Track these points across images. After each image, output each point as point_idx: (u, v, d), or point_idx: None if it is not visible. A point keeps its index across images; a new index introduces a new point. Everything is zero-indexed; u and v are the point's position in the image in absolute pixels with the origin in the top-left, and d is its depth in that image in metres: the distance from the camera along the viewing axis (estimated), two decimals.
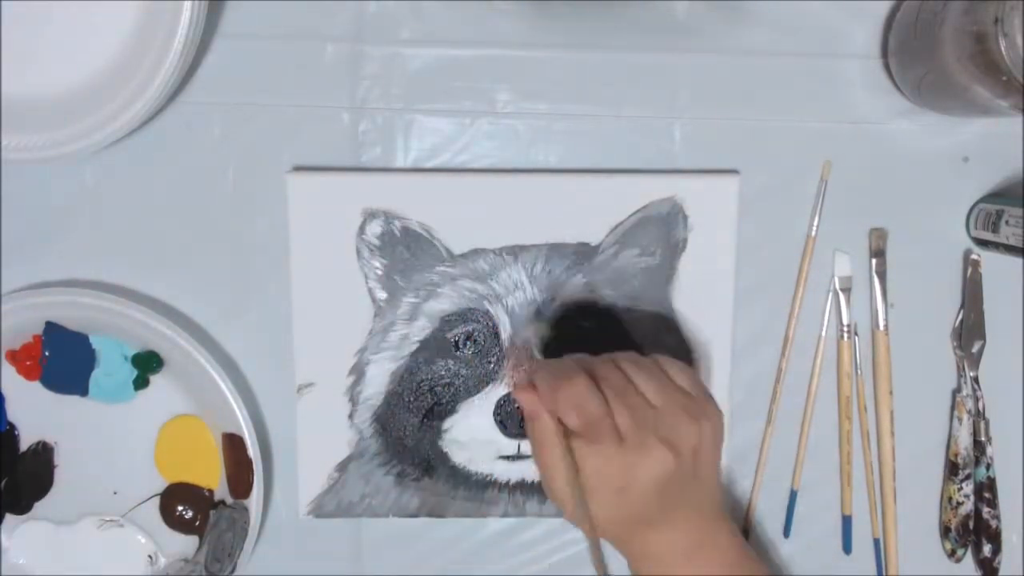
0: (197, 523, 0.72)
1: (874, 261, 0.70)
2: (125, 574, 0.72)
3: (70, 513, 0.72)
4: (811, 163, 0.70)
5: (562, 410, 0.55)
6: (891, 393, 0.71)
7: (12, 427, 0.71)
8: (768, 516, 0.73)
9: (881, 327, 0.70)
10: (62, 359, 0.69)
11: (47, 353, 0.69)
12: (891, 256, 0.70)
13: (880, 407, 0.71)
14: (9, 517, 0.72)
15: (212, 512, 0.71)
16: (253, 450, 0.68)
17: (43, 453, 0.72)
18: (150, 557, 0.72)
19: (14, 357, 0.70)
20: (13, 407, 0.71)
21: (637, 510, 0.56)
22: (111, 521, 0.72)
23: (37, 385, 0.70)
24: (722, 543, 0.59)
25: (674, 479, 0.55)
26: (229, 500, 0.70)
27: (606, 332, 0.69)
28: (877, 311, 0.71)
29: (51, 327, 0.68)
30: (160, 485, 0.72)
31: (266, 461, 0.70)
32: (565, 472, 0.56)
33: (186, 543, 0.72)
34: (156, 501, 0.72)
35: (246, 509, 0.69)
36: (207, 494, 0.72)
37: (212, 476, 0.71)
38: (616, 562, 0.58)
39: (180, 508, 0.72)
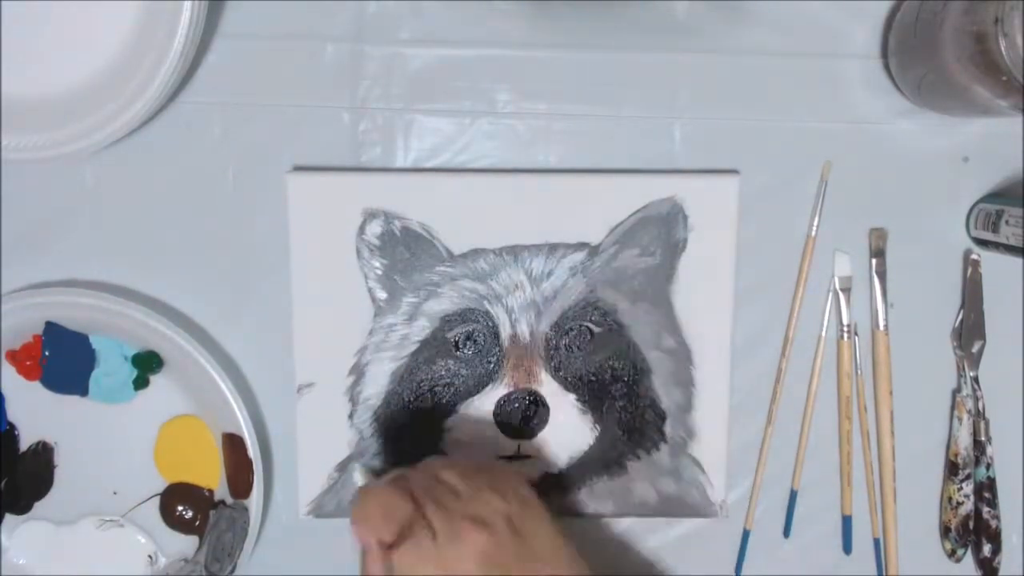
0: (197, 523, 0.72)
1: (874, 261, 0.70)
2: (125, 574, 0.72)
3: (70, 513, 0.72)
4: (811, 163, 0.70)
5: (377, 526, 0.56)
6: (891, 393, 0.71)
7: (12, 427, 0.71)
8: (768, 516, 0.73)
9: (881, 327, 0.70)
10: (62, 359, 0.69)
11: (47, 353, 0.69)
12: (891, 256, 0.70)
13: (880, 407, 0.71)
14: (9, 517, 0.72)
15: (212, 512, 0.71)
16: (253, 450, 0.68)
17: (43, 453, 0.71)
18: (150, 557, 0.72)
19: (14, 357, 0.70)
20: (13, 407, 0.71)
21: None
22: (111, 521, 0.72)
23: (37, 385, 0.70)
24: None
25: (495, 553, 0.55)
26: (229, 500, 0.70)
27: (606, 332, 0.69)
28: (877, 311, 0.71)
29: (51, 327, 0.68)
30: (160, 485, 0.72)
31: (266, 461, 0.70)
32: None
33: (186, 543, 0.72)
34: (156, 501, 0.72)
35: (246, 509, 0.69)
36: (207, 494, 0.72)
37: (212, 476, 0.71)
38: None
39: (180, 508, 0.72)
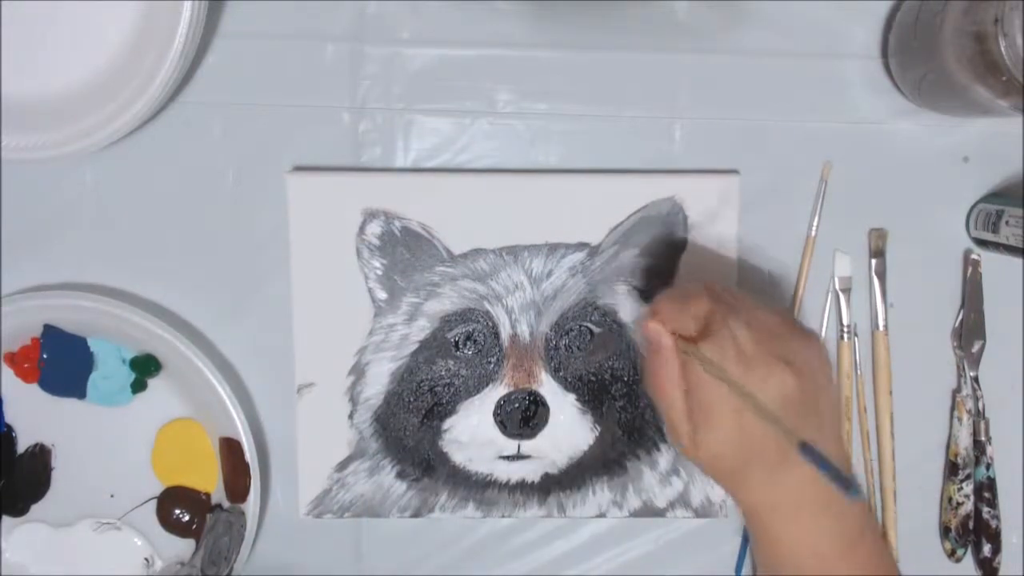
0: (194, 526, 0.72)
1: (874, 261, 0.70)
2: None
3: (67, 515, 0.72)
4: (811, 163, 0.70)
5: (686, 325, 0.54)
6: (891, 394, 0.71)
7: (10, 429, 0.71)
8: None
9: (881, 327, 0.70)
10: (60, 362, 0.69)
11: (45, 356, 0.69)
12: (891, 256, 0.70)
13: (880, 408, 0.71)
14: (6, 519, 0.72)
15: (209, 516, 0.71)
16: (250, 455, 0.68)
17: (40, 455, 0.71)
18: (146, 560, 0.72)
19: (12, 359, 0.70)
20: (11, 409, 0.71)
21: (750, 447, 0.53)
22: (108, 524, 0.72)
23: (35, 388, 0.70)
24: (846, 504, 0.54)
25: (795, 406, 0.52)
26: (226, 504, 0.70)
27: (606, 332, 0.69)
28: (877, 312, 0.71)
29: (49, 330, 0.68)
30: (157, 488, 0.72)
31: (263, 465, 0.70)
32: (685, 397, 0.54)
33: (182, 546, 0.72)
34: (153, 504, 0.72)
35: (243, 513, 0.69)
36: (204, 498, 0.72)
37: (209, 480, 0.71)
38: None
39: (177, 511, 0.72)
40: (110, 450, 0.71)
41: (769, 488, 0.54)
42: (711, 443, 0.53)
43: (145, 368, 0.70)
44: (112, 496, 0.72)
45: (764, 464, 0.54)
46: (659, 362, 0.55)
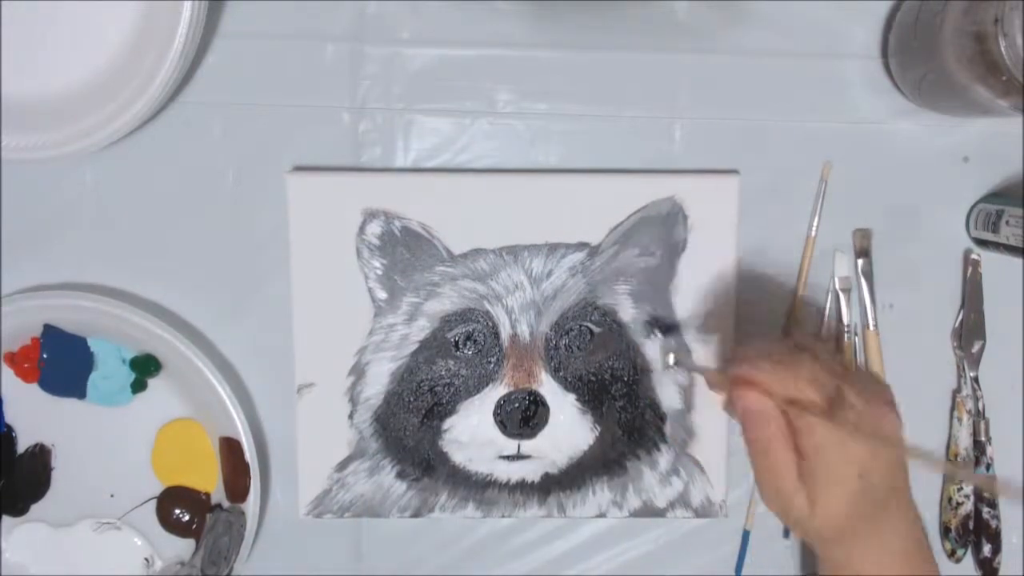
0: (194, 526, 0.72)
1: (860, 261, 0.70)
2: None
3: (67, 515, 0.72)
4: (811, 163, 0.70)
5: (800, 389, 0.52)
6: None
7: (10, 429, 0.71)
8: (768, 516, 0.72)
9: (871, 327, 0.70)
10: (60, 362, 0.69)
11: (45, 356, 0.69)
12: (891, 256, 0.70)
13: None
14: (6, 519, 0.72)
15: (209, 516, 0.71)
16: (250, 454, 0.68)
17: (40, 455, 0.71)
18: (146, 560, 0.72)
19: (12, 359, 0.70)
20: (11, 409, 0.71)
21: (872, 501, 0.53)
22: (108, 524, 0.72)
23: (35, 387, 0.70)
24: (925, 549, 0.56)
25: (900, 467, 0.53)
26: (226, 504, 0.70)
27: (606, 332, 0.69)
28: (867, 311, 0.71)
29: (49, 330, 0.68)
30: (157, 488, 0.72)
31: (263, 465, 0.70)
32: (795, 467, 0.53)
33: (182, 546, 0.72)
34: (153, 504, 0.72)
35: (243, 513, 0.69)
36: (204, 498, 0.72)
37: (209, 480, 0.71)
38: None
39: (177, 511, 0.72)
40: (110, 450, 0.71)
41: (873, 545, 0.55)
42: (831, 505, 0.53)
43: (145, 368, 0.70)
44: (112, 496, 0.72)
45: (872, 524, 0.54)
46: (767, 433, 0.54)
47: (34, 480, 0.71)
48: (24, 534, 0.72)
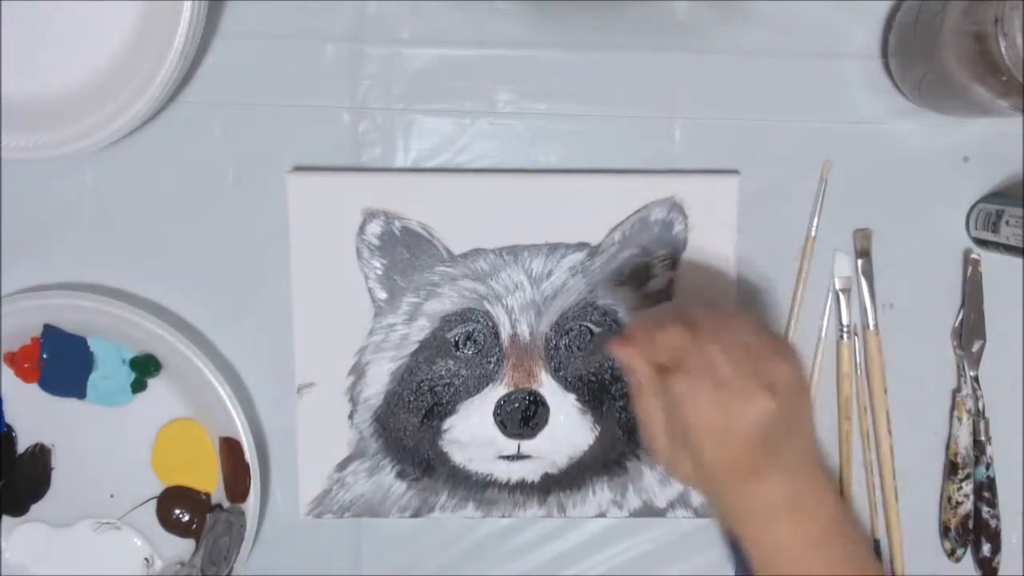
0: (194, 526, 0.72)
1: (860, 262, 0.70)
2: None
3: (67, 515, 0.72)
4: (811, 163, 0.70)
5: (658, 353, 0.54)
6: (886, 392, 0.71)
7: (10, 429, 0.71)
8: None
9: (871, 327, 0.70)
10: (60, 362, 0.69)
11: (45, 356, 0.69)
12: (891, 256, 0.70)
13: (876, 406, 0.71)
14: (6, 519, 0.72)
15: (209, 516, 0.71)
16: (250, 455, 0.68)
17: (40, 455, 0.71)
18: (146, 560, 0.72)
19: (12, 359, 0.70)
20: (11, 409, 0.71)
21: (739, 456, 0.53)
22: (108, 524, 0.72)
23: (35, 388, 0.70)
24: (824, 497, 0.56)
25: (776, 425, 0.52)
26: (226, 504, 0.70)
27: (606, 332, 0.69)
28: (867, 311, 0.71)
29: (49, 330, 0.68)
30: (157, 488, 0.72)
31: (263, 465, 0.70)
32: (664, 418, 0.55)
33: (182, 546, 0.72)
34: (153, 504, 0.72)
35: (242, 513, 0.69)
36: (204, 498, 0.72)
37: (209, 480, 0.71)
38: None
39: (177, 511, 0.72)
40: (110, 450, 0.71)
41: (751, 494, 0.55)
42: (698, 462, 0.54)
43: (145, 368, 0.70)
44: (112, 496, 0.72)
45: (749, 474, 0.54)
46: (638, 388, 0.56)
47: (34, 480, 0.71)
48: (24, 534, 0.72)
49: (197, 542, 0.71)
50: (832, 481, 0.58)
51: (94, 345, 0.70)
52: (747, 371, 0.52)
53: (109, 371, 0.70)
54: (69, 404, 0.71)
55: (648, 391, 0.55)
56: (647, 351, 0.55)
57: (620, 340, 0.56)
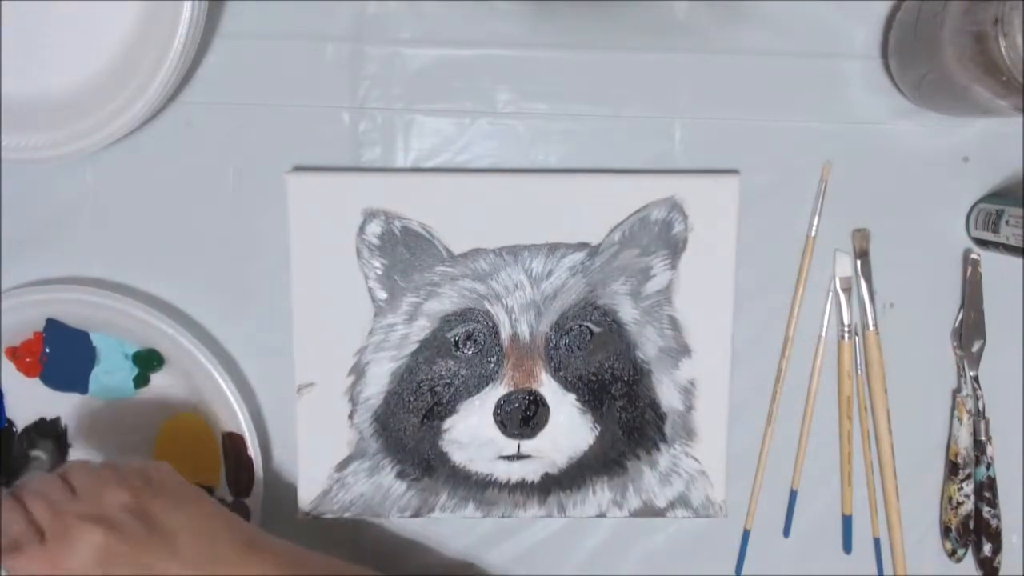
0: None
1: (858, 262, 0.70)
2: None
3: None
4: (811, 163, 0.70)
5: None
6: (886, 392, 0.71)
7: (11, 423, 0.71)
8: (768, 516, 0.73)
9: (871, 327, 0.70)
10: (62, 356, 0.70)
11: (47, 350, 0.69)
12: (891, 256, 0.70)
13: (876, 406, 0.71)
14: None
15: None
16: (253, 449, 0.68)
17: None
18: None
19: (14, 353, 0.70)
20: (12, 404, 0.71)
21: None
22: None
23: (37, 382, 0.70)
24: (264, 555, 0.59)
25: (117, 548, 0.54)
26: (229, 499, 0.70)
27: (606, 332, 0.69)
28: (867, 311, 0.71)
29: (52, 324, 0.69)
30: None
31: (266, 460, 0.71)
32: None
33: None
34: None
35: (246, 508, 0.69)
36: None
37: (212, 475, 0.71)
38: None
39: None
40: (112, 445, 0.71)
41: None
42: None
43: (148, 363, 0.70)
44: None
45: None
46: None
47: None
48: None
49: None
50: (266, 540, 0.61)
51: (96, 340, 0.70)
52: (68, 513, 0.54)
53: (111, 366, 0.70)
54: (71, 399, 0.71)
55: None
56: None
57: None
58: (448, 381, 0.69)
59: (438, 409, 0.69)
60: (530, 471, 0.70)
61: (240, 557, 0.58)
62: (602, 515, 0.71)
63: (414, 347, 0.69)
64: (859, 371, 0.71)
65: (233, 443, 0.69)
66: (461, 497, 0.70)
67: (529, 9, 0.68)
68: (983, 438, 0.71)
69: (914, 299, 0.71)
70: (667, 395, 0.70)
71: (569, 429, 0.69)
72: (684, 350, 0.69)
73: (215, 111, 0.68)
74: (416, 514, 0.71)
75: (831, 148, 0.70)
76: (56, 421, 0.71)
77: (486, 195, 0.68)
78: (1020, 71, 0.55)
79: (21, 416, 0.71)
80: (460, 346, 0.69)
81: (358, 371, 0.69)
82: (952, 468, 0.72)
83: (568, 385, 0.69)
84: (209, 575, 0.57)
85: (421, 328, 0.69)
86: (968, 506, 0.72)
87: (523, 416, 0.69)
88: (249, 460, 0.68)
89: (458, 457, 0.70)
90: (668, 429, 0.70)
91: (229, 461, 0.70)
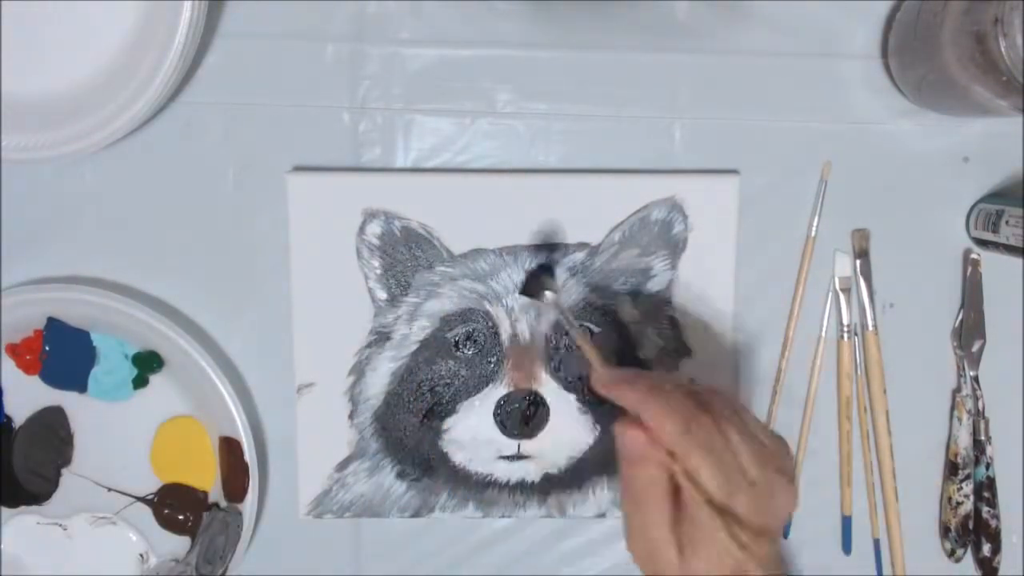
0: (190, 524, 0.72)
1: (858, 262, 0.70)
2: (116, 572, 0.72)
3: (63, 509, 0.72)
4: (811, 163, 0.70)
5: (692, 453, 0.49)
6: (885, 392, 0.71)
7: (9, 420, 0.71)
8: None
9: (871, 327, 0.70)
10: (62, 355, 0.70)
11: (47, 348, 0.69)
12: (891, 256, 0.70)
13: (875, 406, 0.71)
14: (3, 510, 0.72)
15: (205, 514, 0.71)
16: (249, 455, 0.68)
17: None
18: (141, 556, 0.72)
19: (14, 351, 0.70)
20: (11, 401, 0.71)
21: (736, 562, 0.48)
22: (104, 518, 0.72)
23: (36, 380, 0.70)
24: None
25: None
26: (223, 503, 0.70)
27: (606, 332, 0.69)
28: (867, 311, 0.71)
29: (53, 323, 0.69)
30: (155, 485, 0.72)
31: (262, 466, 0.70)
32: (669, 517, 0.49)
33: (178, 544, 0.72)
34: (150, 501, 0.72)
35: (239, 513, 0.69)
36: (201, 496, 0.72)
37: (207, 478, 0.71)
38: None
39: (173, 509, 0.72)
40: (109, 445, 0.71)
41: None
42: (702, 567, 0.49)
43: (147, 364, 0.70)
44: (109, 491, 0.72)
45: None
46: (645, 477, 0.50)
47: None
48: (19, 525, 0.72)
49: (193, 540, 0.72)
50: None
51: (97, 339, 0.70)
52: (768, 463, 0.50)
53: (111, 366, 0.70)
54: (70, 397, 0.71)
55: (659, 484, 0.50)
56: (671, 443, 0.49)
57: (630, 423, 0.51)
58: (448, 381, 0.69)
59: (438, 409, 0.69)
60: (530, 471, 0.70)
61: None
62: (602, 515, 0.71)
63: (414, 347, 0.69)
64: (859, 371, 0.71)
65: (229, 448, 0.69)
66: (461, 497, 0.70)
67: (529, 9, 0.68)
68: (983, 438, 0.71)
69: (914, 299, 0.71)
70: None
71: (569, 429, 0.70)
72: (684, 350, 0.69)
73: (215, 111, 0.68)
74: (416, 514, 0.71)
75: (831, 148, 0.70)
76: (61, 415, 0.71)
77: (486, 195, 0.68)
78: (1020, 71, 0.55)
79: (19, 414, 0.71)
80: (460, 346, 0.69)
81: (358, 371, 0.69)
82: (952, 468, 0.72)
83: (568, 385, 0.69)
84: None
85: (421, 328, 0.69)
86: (967, 506, 0.72)
87: (523, 416, 0.69)
88: (245, 465, 0.68)
89: (458, 457, 0.70)
90: None
91: (224, 465, 0.70)
